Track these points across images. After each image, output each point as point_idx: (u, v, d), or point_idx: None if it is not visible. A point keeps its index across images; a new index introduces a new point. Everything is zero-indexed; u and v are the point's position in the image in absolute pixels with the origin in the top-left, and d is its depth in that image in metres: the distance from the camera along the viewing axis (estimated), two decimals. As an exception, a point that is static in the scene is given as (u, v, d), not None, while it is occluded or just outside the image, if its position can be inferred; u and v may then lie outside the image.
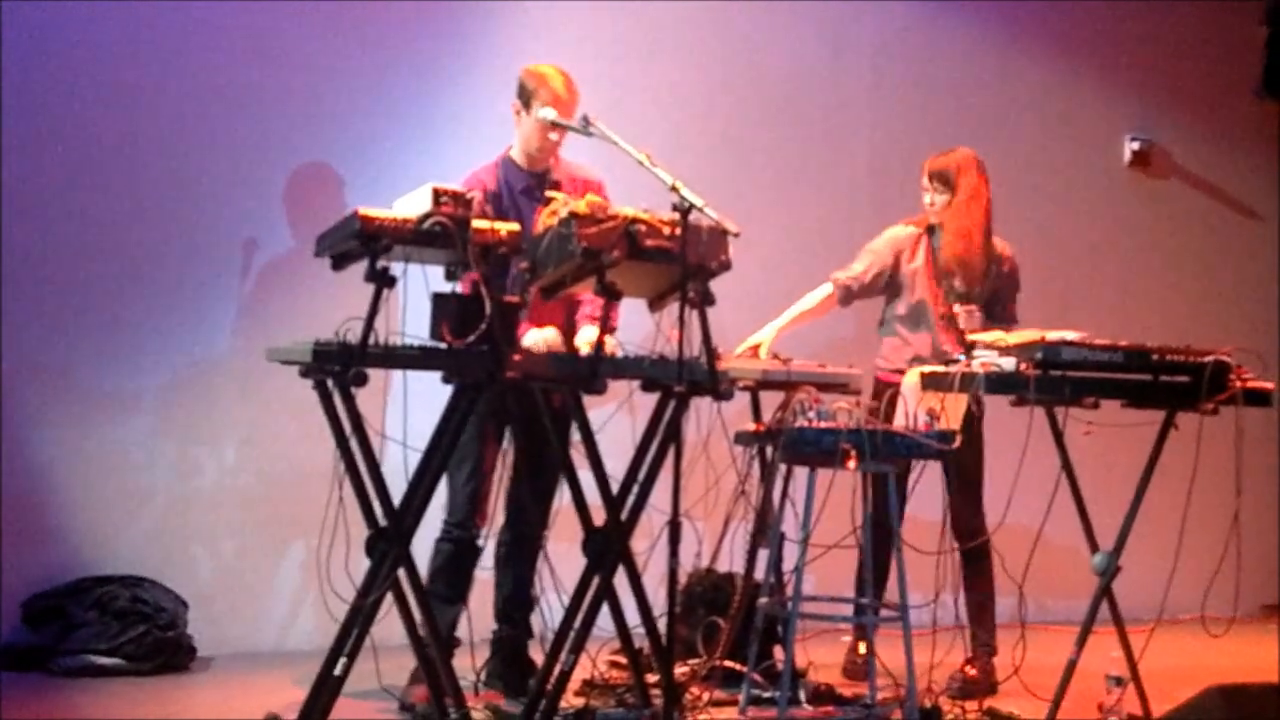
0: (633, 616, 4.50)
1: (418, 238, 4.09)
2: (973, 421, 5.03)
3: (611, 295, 4.30)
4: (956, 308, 5.48)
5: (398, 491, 4.28)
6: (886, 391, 5.19)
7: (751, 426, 5.09)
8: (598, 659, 5.03)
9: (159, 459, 5.87)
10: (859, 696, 5.10)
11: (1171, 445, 4.88)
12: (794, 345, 5.58)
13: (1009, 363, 4.68)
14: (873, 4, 7.23)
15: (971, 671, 5.49)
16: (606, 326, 4.43)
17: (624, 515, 4.50)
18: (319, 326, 4.13)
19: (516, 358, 4.29)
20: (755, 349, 5.45)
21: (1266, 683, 4.38)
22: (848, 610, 5.59)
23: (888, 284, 5.66)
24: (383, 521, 4.23)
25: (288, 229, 5.97)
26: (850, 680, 5.57)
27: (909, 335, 5.63)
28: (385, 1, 6.16)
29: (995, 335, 4.83)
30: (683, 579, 5.21)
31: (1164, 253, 7.95)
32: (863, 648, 5.67)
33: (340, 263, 4.23)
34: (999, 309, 5.61)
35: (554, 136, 5.00)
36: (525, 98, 4.99)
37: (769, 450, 5.02)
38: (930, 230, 5.66)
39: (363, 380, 4.07)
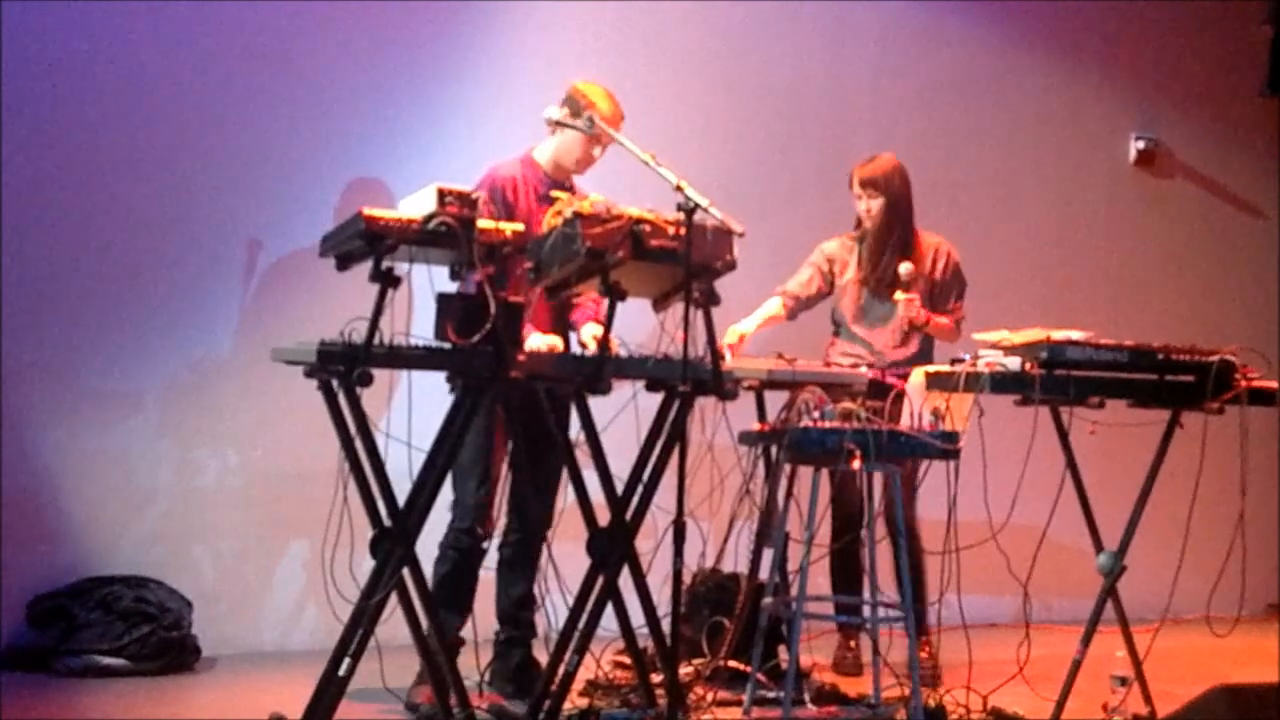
0: (637, 617, 4.49)
1: (422, 238, 4.09)
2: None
3: (616, 295, 4.30)
4: (899, 295, 5.58)
5: (402, 492, 4.28)
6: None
7: (756, 426, 5.08)
8: (602, 659, 5.03)
9: (162, 459, 5.87)
10: (863, 696, 5.10)
11: (1176, 445, 4.88)
12: (798, 345, 5.58)
13: (1014, 362, 4.69)
14: (875, 3, 7.23)
15: (932, 656, 5.57)
16: (609, 326, 4.43)
17: (628, 515, 4.50)
18: (324, 326, 4.13)
19: (521, 358, 4.28)
20: (743, 338, 5.53)
21: (1271, 682, 4.38)
22: (851, 611, 5.60)
23: (829, 293, 5.83)
24: (387, 522, 4.22)
25: (292, 229, 5.95)
26: (841, 675, 5.59)
27: (848, 340, 5.80)
28: (389, 1, 6.16)
29: (1000, 335, 4.83)
30: (687, 579, 5.20)
31: (1169, 252, 7.95)
32: (853, 644, 5.79)
33: (345, 263, 4.22)
34: (940, 303, 5.76)
35: (597, 153, 5.01)
36: (574, 113, 4.98)
37: (773, 450, 5.01)
38: (861, 240, 5.78)
39: (368, 380, 4.06)
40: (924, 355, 5.74)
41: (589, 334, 4.90)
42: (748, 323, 5.61)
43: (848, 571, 5.70)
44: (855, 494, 5.53)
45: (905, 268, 5.58)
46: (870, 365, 5.63)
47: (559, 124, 4.93)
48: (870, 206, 5.71)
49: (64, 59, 5.67)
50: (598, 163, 5.14)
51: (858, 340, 5.78)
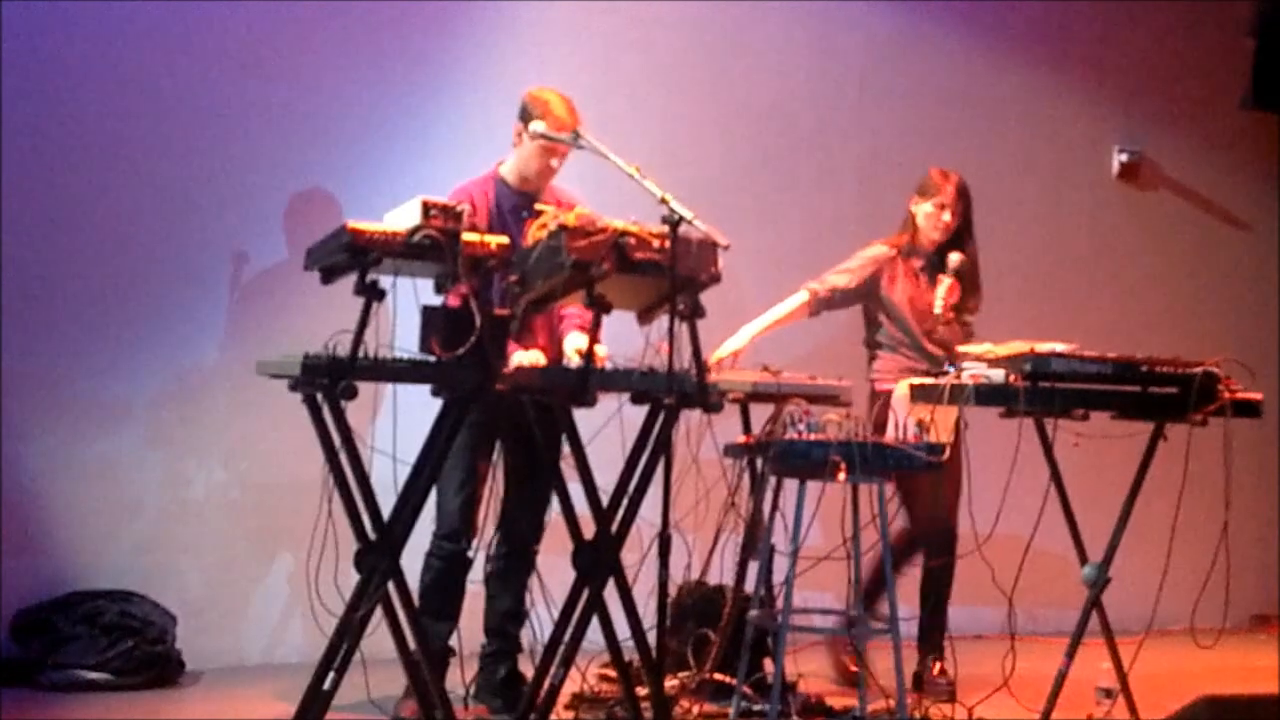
0: (622, 629, 4.49)
1: (407, 251, 4.09)
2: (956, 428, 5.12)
3: (601, 308, 4.30)
4: (943, 278, 5.59)
5: (387, 505, 4.27)
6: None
7: (741, 439, 5.09)
8: (587, 672, 5.02)
9: (148, 471, 5.85)
10: (849, 709, 5.10)
11: (1160, 456, 4.89)
12: (783, 357, 5.59)
13: (998, 374, 4.69)
14: (861, 14, 7.25)
15: (945, 673, 5.55)
16: (595, 338, 4.43)
17: (614, 528, 4.49)
18: (309, 339, 4.13)
19: (506, 370, 4.28)
20: (736, 355, 5.48)
21: (1256, 694, 4.40)
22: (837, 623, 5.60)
23: (864, 300, 5.77)
24: (372, 535, 4.22)
25: (278, 242, 5.96)
26: (846, 685, 5.61)
27: (901, 351, 5.74)
28: (377, 12, 6.16)
29: (985, 347, 4.84)
30: (673, 591, 5.19)
31: (1152, 264, 7.97)
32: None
33: (330, 276, 4.22)
34: (961, 314, 5.75)
35: (555, 164, 5.00)
36: (527, 120, 4.98)
37: (759, 462, 5.02)
38: (908, 251, 5.75)
39: (352, 393, 4.06)
40: None
41: (571, 346, 4.90)
42: (740, 338, 5.58)
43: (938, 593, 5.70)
44: (927, 506, 5.51)
45: (955, 256, 5.62)
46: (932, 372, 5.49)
47: (544, 137, 4.92)
48: (951, 222, 5.69)
49: (52, 75, 5.66)
50: (584, 173, 5.15)
51: (906, 352, 5.72)
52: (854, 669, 5.71)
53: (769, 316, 5.67)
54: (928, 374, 5.37)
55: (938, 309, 5.59)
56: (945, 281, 5.60)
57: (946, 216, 5.70)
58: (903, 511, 5.45)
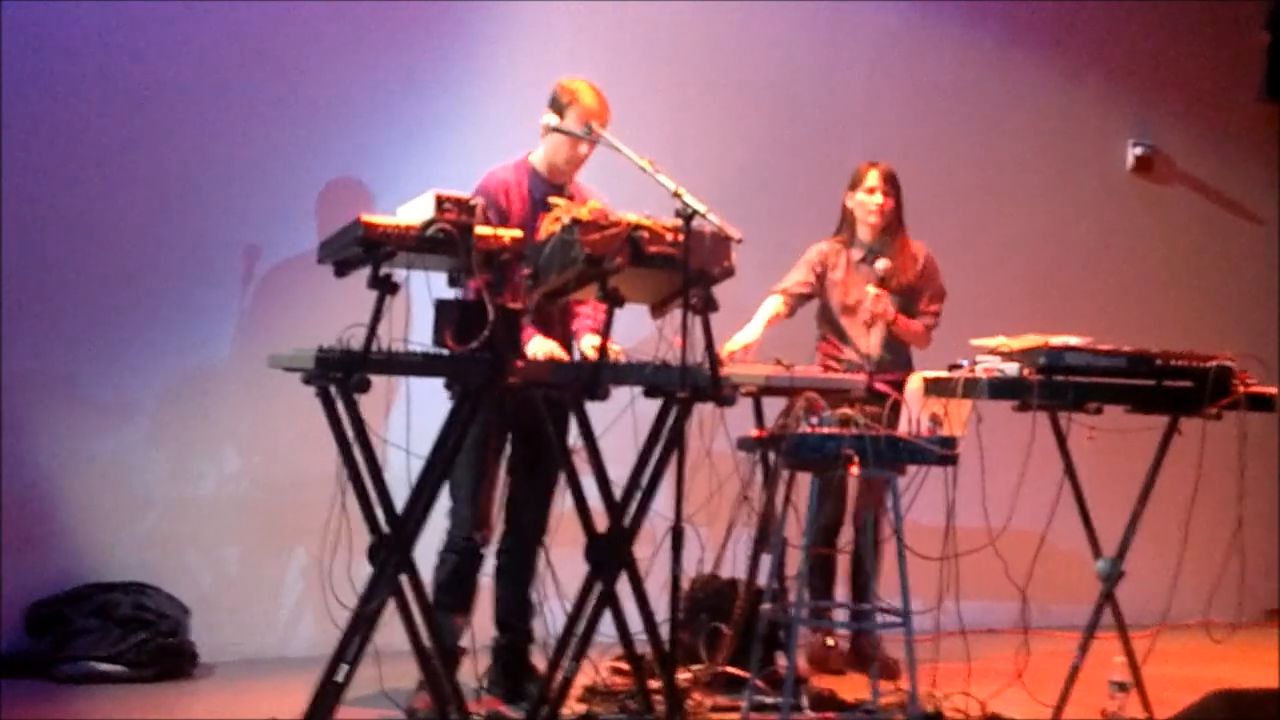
0: (635, 623, 4.49)
1: (421, 244, 4.09)
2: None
3: (614, 301, 4.30)
4: (869, 289, 5.70)
5: (400, 498, 4.28)
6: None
7: (754, 432, 5.09)
8: (600, 665, 5.02)
9: (160, 465, 5.86)
10: (861, 701, 5.10)
11: (1175, 450, 4.88)
12: (794, 351, 5.59)
13: (1012, 368, 4.69)
14: (869, 7, 7.23)
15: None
16: (608, 332, 4.43)
17: (626, 521, 4.50)
18: (322, 333, 4.13)
19: (519, 364, 4.28)
20: (748, 348, 5.54)
21: (1269, 688, 4.40)
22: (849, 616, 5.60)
23: (821, 291, 5.92)
24: (385, 528, 4.22)
25: (290, 235, 5.95)
26: (817, 670, 5.70)
27: (835, 340, 5.89)
28: (390, 7, 6.16)
29: (999, 340, 4.84)
30: (685, 585, 5.20)
31: (1167, 258, 7.95)
32: (830, 640, 5.89)
33: (343, 269, 4.22)
34: (915, 306, 5.89)
35: (584, 150, 5.01)
36: (558, 110, 4.99)
37: (771, 456, 5.02)
38: (848, 242, 5.90)
39: (365, 387, 4.06)
40: (906, 360, 5.86)
41: (588, 345, 4.89)
42: (751, 330, 5.61)
43: (825, 576, 5.84)
44: (843, 499, 5.69)
45: (882, 263, 5.71)
46: (860, 368, 5.73)
47: (557, 130, 4.93)
48: (884, 203, 5.81)
49: (57, 68, 5.66)
50: (599, 167, 5.15)
51: (838, 342, 5.88)
52: (828, 645, 5.85)
53: (758, 324, 5.71)
54: (856, 361, 5.70)
55: (865, 315, 5.75)
56: (871, 292, 5.70)
57: (878, 198, 5.82)
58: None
